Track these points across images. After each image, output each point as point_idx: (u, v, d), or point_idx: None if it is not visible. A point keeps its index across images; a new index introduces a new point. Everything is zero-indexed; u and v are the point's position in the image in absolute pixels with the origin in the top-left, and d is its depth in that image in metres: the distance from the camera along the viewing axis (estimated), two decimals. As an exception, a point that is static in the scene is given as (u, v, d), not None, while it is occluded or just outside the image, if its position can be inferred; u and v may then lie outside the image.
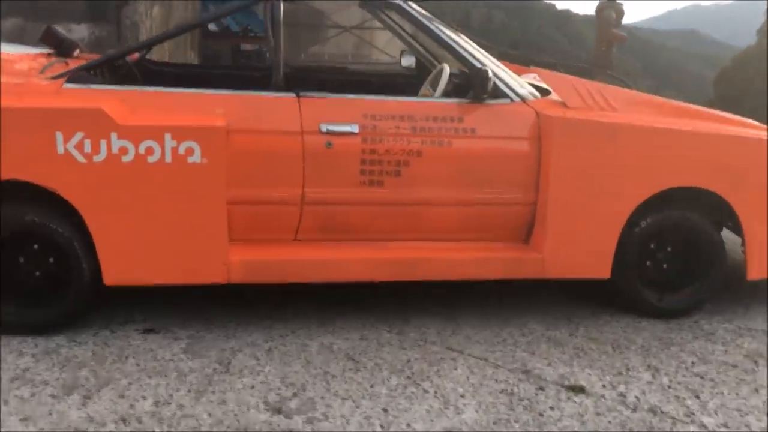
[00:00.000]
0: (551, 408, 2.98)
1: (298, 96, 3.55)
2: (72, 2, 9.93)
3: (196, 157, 3.32)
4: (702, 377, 3.27)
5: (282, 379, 3.12)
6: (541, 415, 2.93)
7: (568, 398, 3.06)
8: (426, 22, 3.75)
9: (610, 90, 3.87)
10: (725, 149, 3.73)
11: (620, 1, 5.19)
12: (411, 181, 3.62)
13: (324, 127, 3.52)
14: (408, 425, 2.82)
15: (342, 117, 3.56)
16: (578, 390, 3.12)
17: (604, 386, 3.17)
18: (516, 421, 2.88)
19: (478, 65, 3.67)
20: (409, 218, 3.68)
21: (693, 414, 2.98)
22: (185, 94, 3.51)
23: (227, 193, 3.47)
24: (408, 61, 4.74)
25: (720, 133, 3.74)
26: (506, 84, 3.72)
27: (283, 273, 3.55)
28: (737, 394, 3.16)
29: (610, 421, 2.91)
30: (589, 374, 3.26)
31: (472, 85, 3.62)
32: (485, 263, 3.67)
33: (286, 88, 3.62)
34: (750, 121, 4.12)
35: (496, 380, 3.18)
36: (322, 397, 2.98)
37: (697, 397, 3.12)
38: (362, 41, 21.36)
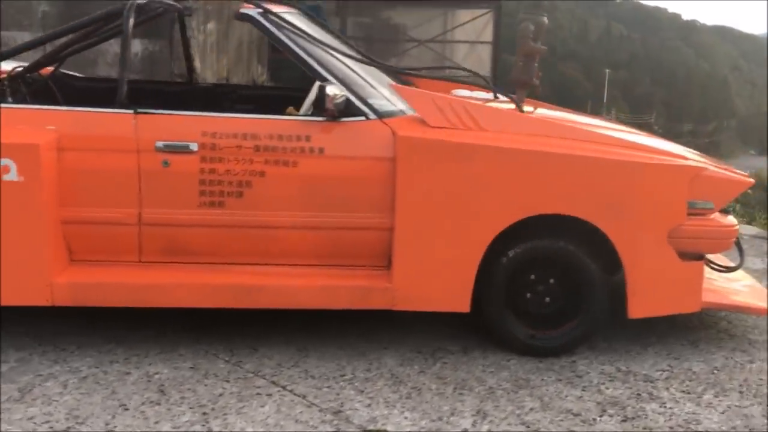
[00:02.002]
0: (330, 456, 2.73)
1: (136, 113, 3.40)
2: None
3: (11, 176, 3.23)
4: (528, 426, 2.94)
5: (70, 410, 2.98)
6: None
7: (359, 445, 2.80)
8: (280, 34, 3.54)
9: (481, 108, 3.56)
10: (599, 174, 3.38)
11: None
12: (254, 203, 3.43)
13: (160, 145, 3.37)
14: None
15: (179, 135, 3.40)
16: (377, 436, 2.86)
17: (411, 433, 2.89)
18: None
19: (324, 81, 3.44)
20: (256, 242, 3.49)
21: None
22: (21, 110, 3.43)
23: (62, 213, 3.36)
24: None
25: (594, 156, 3.38)
26: (363, 101, 3.47)
27: (112, 297, 3.42)
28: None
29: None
30: (405, 418, 2.99)
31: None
32: (330, 292, 3.44)
33: (144, 104, 3.49)
34: (666, 147, 3.70)
35: (296, 420, 2.95)
36: (95, 433, 2.82)
37: (505, 451, 2.81)
38: (439, 54, 21.19)
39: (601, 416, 3.04)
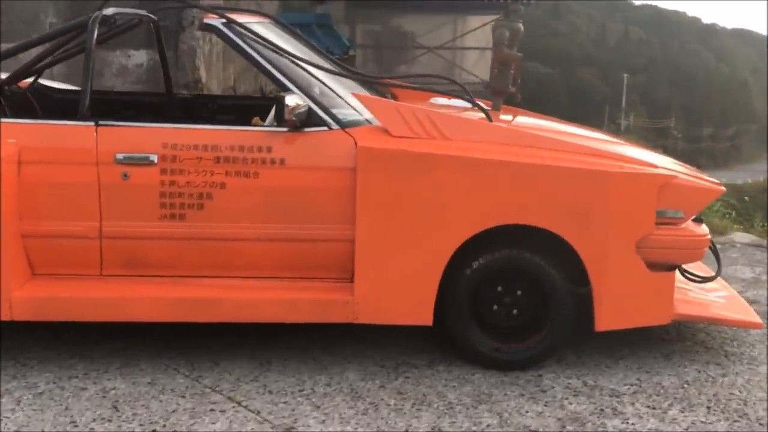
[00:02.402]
0: (275, 475, 2.67)
1: (97, 124, 3.38)
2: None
3: (-36, 189, 3.20)
4: (482, 445, 2.88)
5: (19, 427, 2.94)
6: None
7: (306, 464, 2.74)
8: (242, 44, 3.50)
9: (445, 117, 3.50)
10: (563, 184, 3.31)
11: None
12: (216, 215, 3.39)
13: (120, 157, 3.34)
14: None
15: (139, 147, 3.37)
16: (326, 454, 2.80)
17: (360, 451, 2.83)
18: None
19: (286, 91, 3.40)
20: (217, 254, 3.45)
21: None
22: (-18, 122, 3.40)
23: (22, 227, 3.35)
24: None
25: (558, 165, 3.32)
26: (326, 111, 3.43)
27: (71, 312, 3.39)
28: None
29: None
30: (359, 435, 2.93)
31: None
32: (290, 305, 3.39)
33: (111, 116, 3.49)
34: (637, 155, 3.61)
35: (246, 439, 2.89)
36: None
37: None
38: (448, 61, 21.14)
39: (559, 433, 2.97)
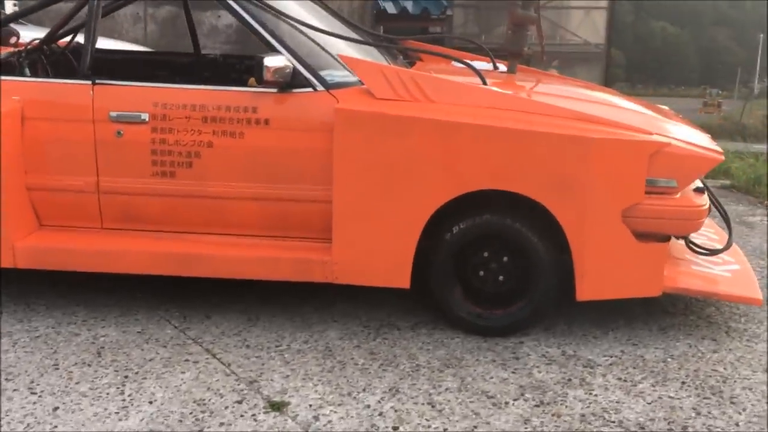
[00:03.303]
0: (220, 424, 2.77)
1: (93, 83, 3.52)
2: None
3: (-30, 143, 3.40)
4: (433, 406, 2.90)
5: (6, 367, 3.15)
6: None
7: (255, 414, 2.83)
8: (232, 3, 3.54)
9: (430, 80, 3.47)
10: (542, 149, 3.24)
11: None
12: (203, 173, 3.50)
13: (113, 115, 3.48)
14: (57, 426, 2.75)
15: (132, 105, 3.50)
16: (277, 407, 2.88)
17: (310, 406, 2.90)
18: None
19: (273, 51, 3.44)
20: (205, 212, 3.57)
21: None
22: (-9, 81, 3.60)
23: (27, 180, 3.54)
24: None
25: (537, 131, 3.24)
26: (313, 72, 3.46)
27: (67, 262, 3.57)
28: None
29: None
30: (316, 391, 3.01)
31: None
32: (271, 263, 3.47)
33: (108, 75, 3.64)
34: (635, 120, 3.49)
35: (208, 388, 3.02)
36: (15, 390, 2.97)
37: (396, 428, 2.77)
38: (551, 22, 20.62)
39: (516, 400, 2.95)
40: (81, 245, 3.56)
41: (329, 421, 2.80)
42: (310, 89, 3.44)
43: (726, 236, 3.83)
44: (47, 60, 4.43)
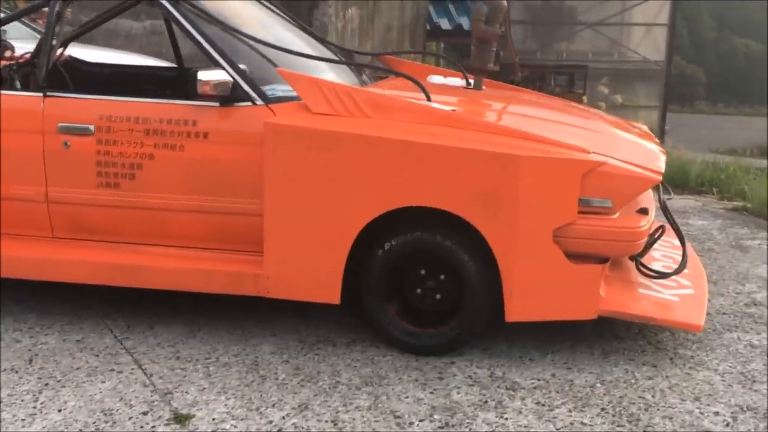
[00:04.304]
0: (119, 434, 2.80)
1: (45, 95, 3.62)
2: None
3: (-75, 155, 3.53)
4: (335, 424, 2.87)
5: (-63, 370, 3.23)
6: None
7: (154, 426, 2.85)
8: (178, 17, 3.59)
9: (367, 95, 3.46)
10: (470, 167, 3.19)
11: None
12: (145, 185, 3.56)
13: (61, 127, 3.57)
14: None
15: (79, 117, 3.58)
16: (181, 419, 2.90)
17: (214, 419, 2.91)
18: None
19: (216, 65, 3.48)
20: (149, 223, 3.62)
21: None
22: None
23: (-16, 190, 3.65)
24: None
25: (465, 147, 3.20)
26: (254, 86, 3.48)
27: (19, 270, 3.67)
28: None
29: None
30: (225, 405, 3.02)
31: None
32: (205, 276, 3.50)
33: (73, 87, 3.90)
34: (575, 138, 3.42)
35: (120, 399, 3.06)
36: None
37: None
38: (609, 39, 20.31)
39: (422, 421, 2.90)
40: (30, 254, 3.65)
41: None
42: (249, 103, 3.46)
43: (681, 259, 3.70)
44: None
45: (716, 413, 2.99)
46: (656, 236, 3.65)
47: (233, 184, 3.47)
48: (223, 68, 3.48)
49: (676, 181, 7.33)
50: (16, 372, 3.25)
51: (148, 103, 3.55)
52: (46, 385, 3.15)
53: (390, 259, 3.37)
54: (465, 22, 18.88)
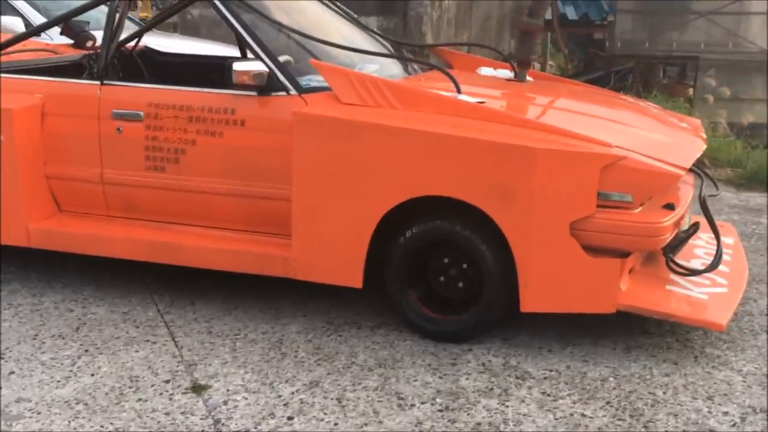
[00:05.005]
0: (138, 399, 3.01)
1: (102, 84, 3.89)
2: (365, -3, 10.77)
3: (-5, 135, 3.85)
4: (340, 402, 3.00)
5: (-3, 335, 3.54)
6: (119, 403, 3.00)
7: (173, 394, 3.05)
8: (222, 8, 3.77)
9: (396, 87, 3.55)
10: (488, 158, 3.24)
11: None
12: (188, 169, 3.77)
13: (115, 113, 3.83)
14: (2, 388, 3.08)
15: (130, 105, 3.83)
16: (198, 389, 3.09)
17: (228, 391, 3.09)
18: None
19: (256, 55, 3.66)
20: (191, 205, 3.83)
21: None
22: (21, 80, 4.05)
23: (46, 169, 3.96)
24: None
25: (484, 139, 3.25)
26: (289, 77, 3.64)
27: (71, 244, 3.95)
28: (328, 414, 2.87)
29: (175, 421, 2.89)
30: (242, 378, 3.19)
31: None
32: (238, 256, 3.68)
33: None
34: (599, 132, 3.41)
35: (149, 367, 3.28)
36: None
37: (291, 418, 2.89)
38: (724, 29, 19.59)
39: (423, 403, 2.99)
40: (80, 230, 3.92)
41: (235, 407, 2.97)
42: (284, 93, 3.62)
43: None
44: (119, 63, 4.85)
45: (726, 413, 2.95)
46: (690, 233, 3.60)
47: (267, 170, 3.63)
48: (261, 59, 3.64)
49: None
50: (63, 338, 3.51)
51: (192, 92, 3.75)
52: (86, 351, 3.39)
53: (412, 247, 3.46)
54: (570, 12, 18.58)
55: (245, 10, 3.85)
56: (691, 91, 16.68)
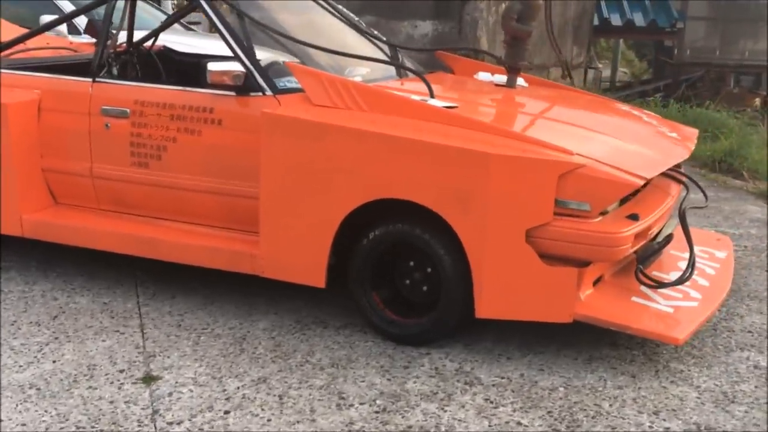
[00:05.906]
0: (88, 387, 3.12)
1: (93, 81, 4.03)
2: (420, 1, 10.95)
3: (-12, 130, 4.04)
4: (280, 399, 3.05)
5: (-22, 318, 3.71)
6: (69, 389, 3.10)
7: (123, 383, 3.15)
8: (207, 8, 3.87)
9: (366, 89, 3.58)
10: (444, 163, 3.25)
11: None
12: (169, 166, 3.88)
13: (104, 110, 3.97)
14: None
15: (118, 102, 3.96)
16: (148, 380, 3.18)
17: (177, 383, 3.17)
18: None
19: (235, 56, 3.74)
20: (173, 201, 3.94)
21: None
22: (22, 76, 4.23)
23: (42, 162, 4.13)
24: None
25: (441, 144, 3.26)
26: (265, 77, 3.72)
27: (59, 236, 4.10)
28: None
29: (117, 411, 2.98)
30: (194, 371, 3.26)
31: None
32: (211, 252, 3.77)
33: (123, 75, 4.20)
34: (562, 138, 3.38)
35: (109, 357, 3.38)
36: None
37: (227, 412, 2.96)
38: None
39: (362, 404, 3.01)
40: (70, 222, 4.07)
41: (178, 398, 3.04)
42: (260, 93, 3.69)
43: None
44: (137, 62, 5.00)
45: (667, 429, 2.89)
46: (662, 244, 3.54)
47: (244, 169, 3.70)
48: (239, 59, 3.71)
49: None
50: (39, 325, 3.65)
51: (174, 90, 3.85)
52: (56, 338, 3.52)
53: (375, 249, 3.48)
54: (638, 18, 18.22)
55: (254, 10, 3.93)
56: (757, 100, 16.20)
